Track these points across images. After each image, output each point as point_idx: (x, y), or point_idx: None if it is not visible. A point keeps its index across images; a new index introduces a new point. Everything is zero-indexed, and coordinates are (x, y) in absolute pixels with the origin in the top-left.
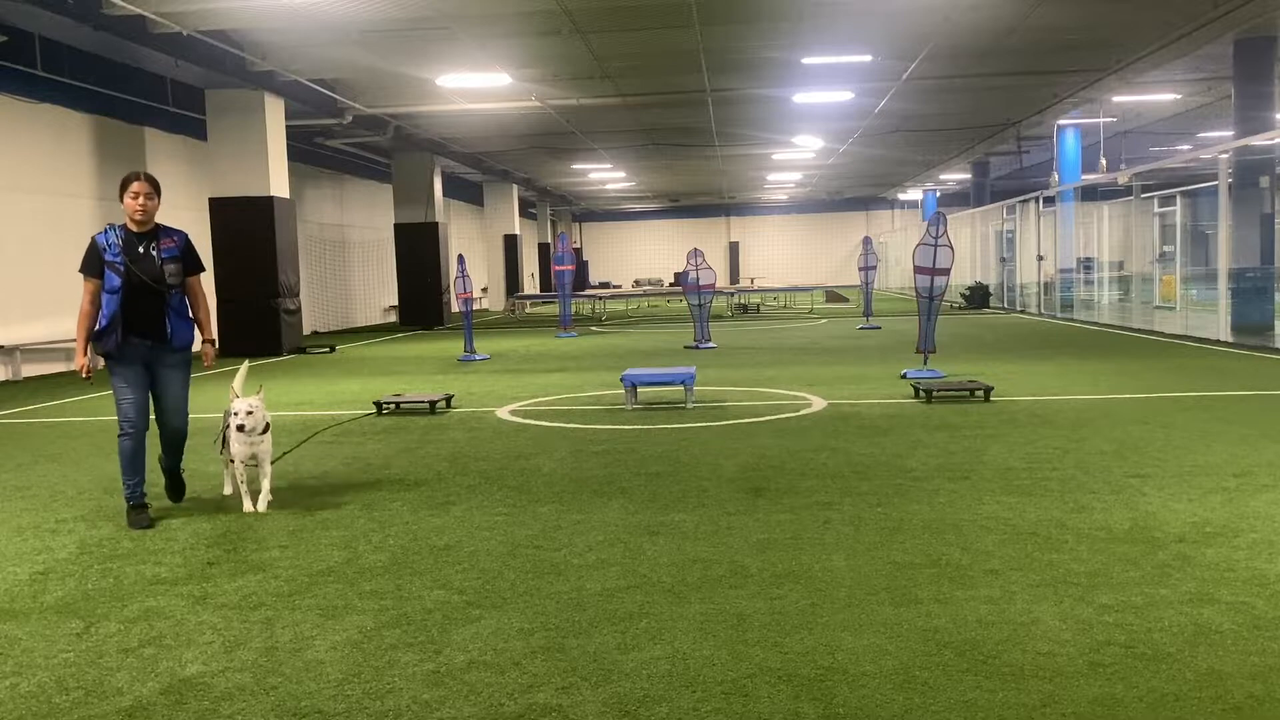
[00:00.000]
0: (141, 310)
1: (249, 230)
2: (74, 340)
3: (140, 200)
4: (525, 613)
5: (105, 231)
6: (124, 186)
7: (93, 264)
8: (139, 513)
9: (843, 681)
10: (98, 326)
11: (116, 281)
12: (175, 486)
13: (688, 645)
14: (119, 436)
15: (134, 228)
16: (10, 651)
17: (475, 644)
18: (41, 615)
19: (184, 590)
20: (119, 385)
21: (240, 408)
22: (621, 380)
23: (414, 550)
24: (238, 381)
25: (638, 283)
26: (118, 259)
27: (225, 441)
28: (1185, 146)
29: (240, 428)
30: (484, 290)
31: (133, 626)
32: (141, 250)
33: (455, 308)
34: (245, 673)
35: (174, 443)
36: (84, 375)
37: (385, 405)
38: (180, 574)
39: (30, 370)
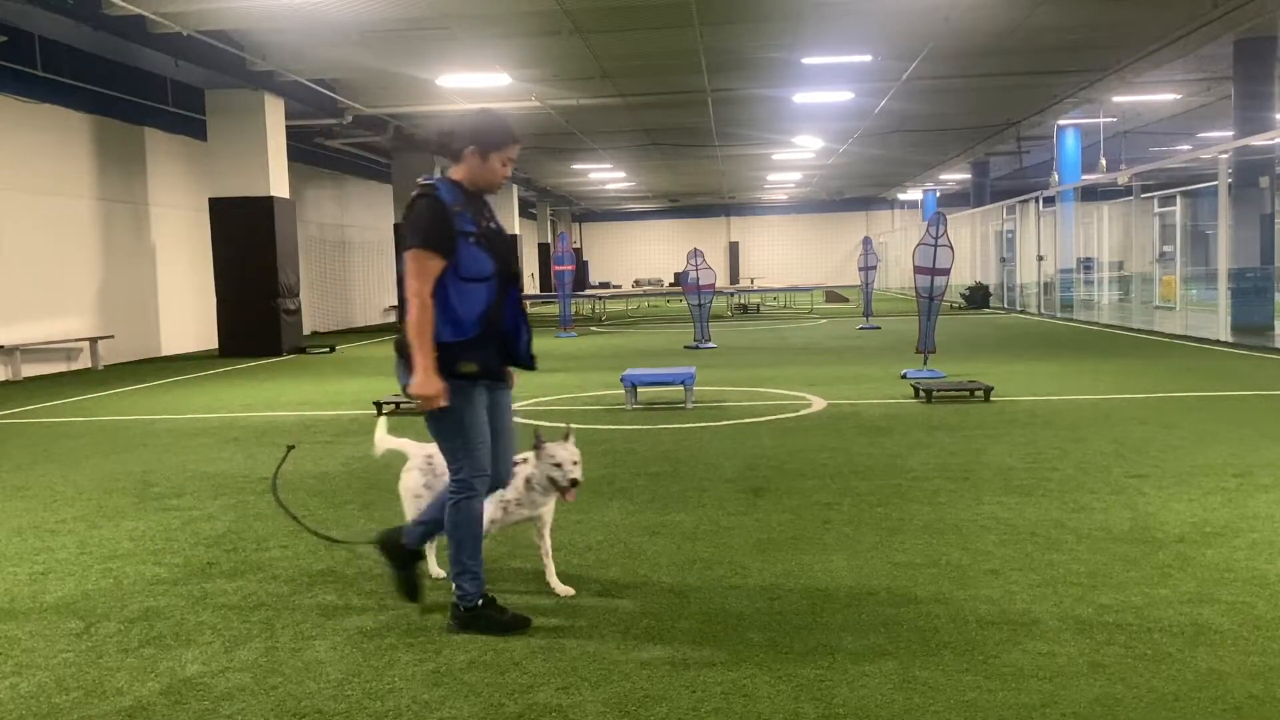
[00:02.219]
0: (503, 311)
1: (249, 230)
2: (75, 340)
3: (509, 168)
4: (525, 613)
5: (441, 185)
6: (493, 144)
7: (446, 234)
8: (498, 612)
9: (843, 681)
10: (450, 335)
11: (488, 266)
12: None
13: (688, 645)
14: (464, 498)
15: (470, 187)
16: (10, 651)
17: (475, 644)
18: (41, 615)
19: (184, 590)
20: (476, 420)
21: (564, 457)
22: (621, 380)
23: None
24: (383, 433)
25: (638, 283)
26: (474, 229)
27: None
28: (1185, 146)
29: (574, 483)
30: None
31: (133, 626)
32: (485, 224)
33: None
34: (245, 673)
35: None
36: (443, 402)
37: (385, 405)
38: (180, 574)
39: (30, 370)
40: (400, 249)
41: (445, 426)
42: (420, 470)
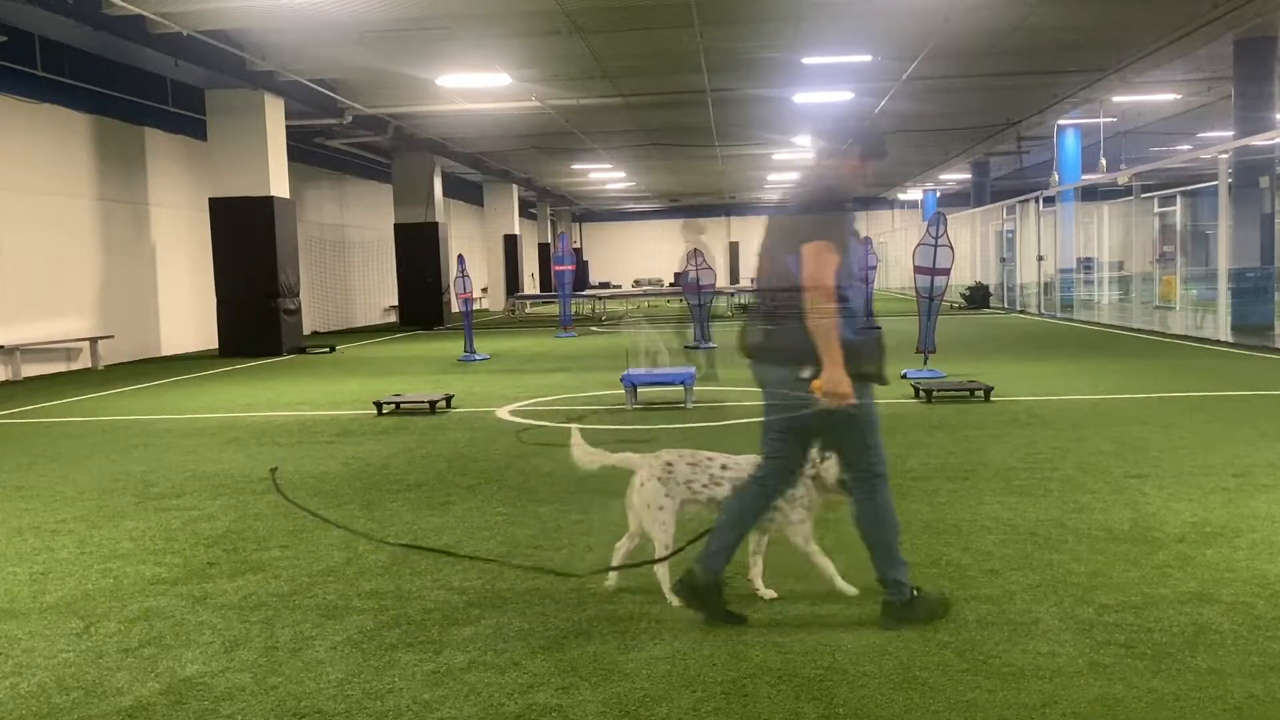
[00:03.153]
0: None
1: (249, 230)
2: (75, 340)
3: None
4: (525, 613)
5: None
6: (875, 155)
7: (846, 230)
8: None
9: (843, 681)
10: (850, 334)
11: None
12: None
13: (688, 645)
14: (881, 491)
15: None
16: (10, 651)
17: (475, 644)
18: (41, 615)
19: (184, 590)
20: (877, 414)
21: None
22: (621, 380)
23: (414, 550)
24: (585, 446)
25: (638, 283)
26: (854, 229)
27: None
28: (1185, 146)
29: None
30: (484, 290)
31: (133, 626)
32: None
33: (455, 308)
34: (245, 673)
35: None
36: (854, 400)
37: (385, 405)
38: (180, 574)
39: (30, 370)
40: (801, 237)
41: (858, 425)
42: (661, 480)
